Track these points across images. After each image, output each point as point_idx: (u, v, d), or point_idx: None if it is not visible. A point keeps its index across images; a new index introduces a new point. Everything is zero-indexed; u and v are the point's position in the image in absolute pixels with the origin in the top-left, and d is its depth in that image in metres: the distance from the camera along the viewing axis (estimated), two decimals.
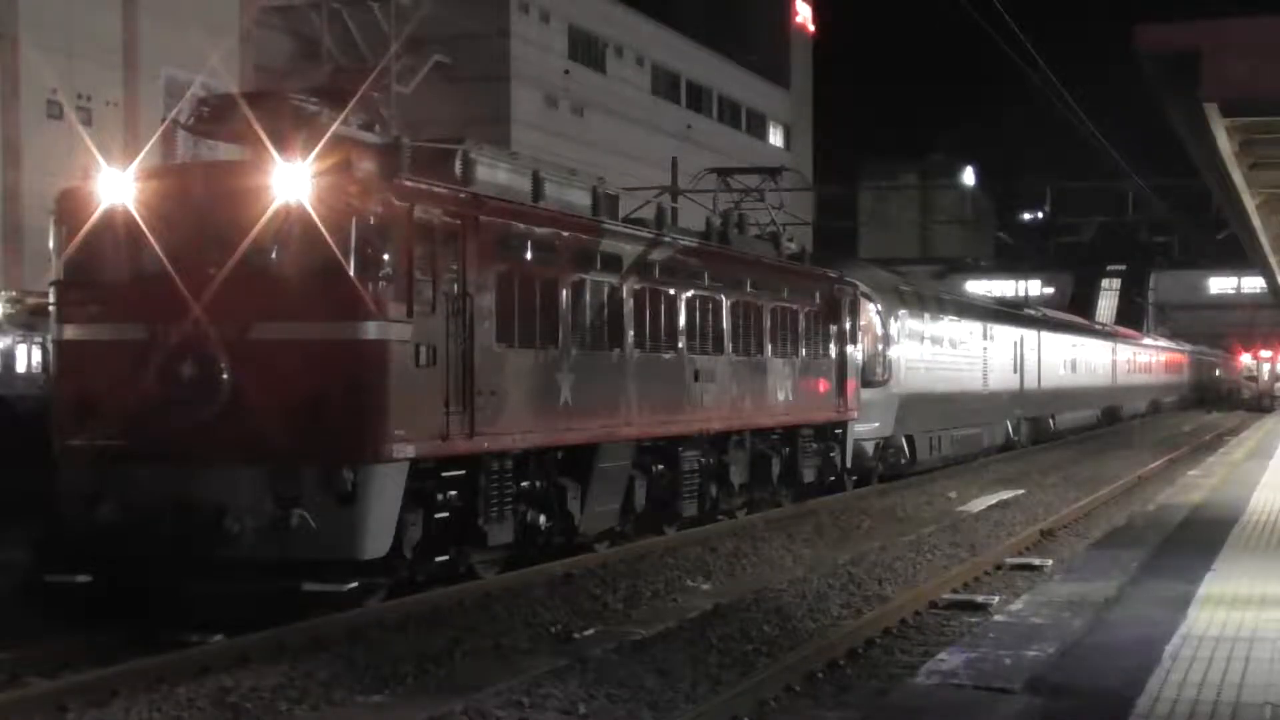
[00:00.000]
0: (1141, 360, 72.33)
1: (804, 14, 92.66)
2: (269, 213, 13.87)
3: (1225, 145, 20.46)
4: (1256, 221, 29.80)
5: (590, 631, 14.13)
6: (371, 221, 13.97)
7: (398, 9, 52.68)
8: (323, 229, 13.74)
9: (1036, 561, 19.30)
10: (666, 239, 20.42)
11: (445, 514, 15.14)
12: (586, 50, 67.58)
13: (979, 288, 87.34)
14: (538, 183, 17.48)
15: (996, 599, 16.13)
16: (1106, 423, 59.50)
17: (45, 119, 36.78)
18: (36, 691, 11.34)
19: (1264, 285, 68.99)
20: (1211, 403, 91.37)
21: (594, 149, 61.45)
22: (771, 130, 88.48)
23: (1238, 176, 23.22)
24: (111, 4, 39.19)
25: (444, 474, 15.06)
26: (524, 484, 16.66)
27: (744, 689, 11.30)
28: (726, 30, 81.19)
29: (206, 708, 11.11)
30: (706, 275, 21.38)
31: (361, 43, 52.68)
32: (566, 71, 65.34)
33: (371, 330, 13.88)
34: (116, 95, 38.75)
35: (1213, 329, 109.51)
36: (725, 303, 21.95)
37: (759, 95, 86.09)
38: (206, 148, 16.17)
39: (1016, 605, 15.17)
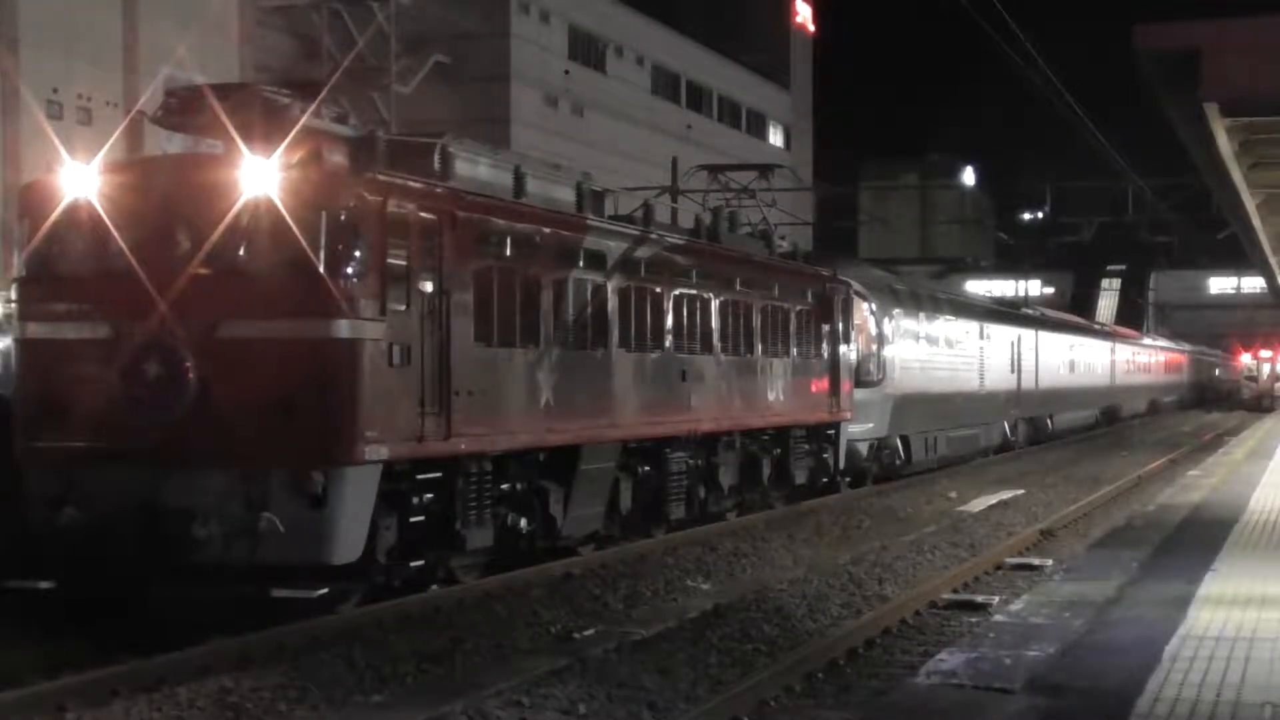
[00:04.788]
0: (1140, 360, 72.34)
1: (804, 14, 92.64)
2: (236, 207, 13.50)
3: (1225, 145, 20.48)
4: (1256, 221, 29.84)
5: (590, 631, 14.11)
6: (342, 217, 13.57)
7: (398, 9, 52.69)
8: (292, 224, 13.35)
9: (1036, 561, 19.29)
10: (653, 236, 20.03)
11: (421, 517, 14.74)
12: (586, 50, 67.56)
13: (979, 288, 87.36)
14: (519, 178, 17.06)
15: (996, 599, 16.12)
16: (1105, 423, 59.49)
17: (45, 119, 36.74)
18: (36, 691, 11.32)
19: (1264, 285, 69.04)
20: (1211, 403, 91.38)
21: (594, 149, 61.44)
22: (771, 130, 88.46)
23: (1238, 176, 23.23)
24: (111, 4, 39.15)
25: (420, 476, 14.66)
26: (504, 486, 16.25)
27: (744, 689, 11.30)
28: (726, 30, 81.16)
29: (207, 708, 11.10)
30: (695, 273, 21.05)
31: (361, 43, 52.65)
32: (566, 71, 65.32)
33: (342, 329, 13.50)
34: (116, 95, 38.73)
35: (1213, 329, 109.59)
36: (714, 301, 21.61)
37: (759, 95, 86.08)
38: (206, 145, 15.87)
39: (1016, 605, 15.18)
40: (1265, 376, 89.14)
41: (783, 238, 27.39)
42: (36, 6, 36.98)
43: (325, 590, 13.35)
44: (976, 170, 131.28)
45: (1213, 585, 14.71)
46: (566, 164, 21.36)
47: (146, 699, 11.22)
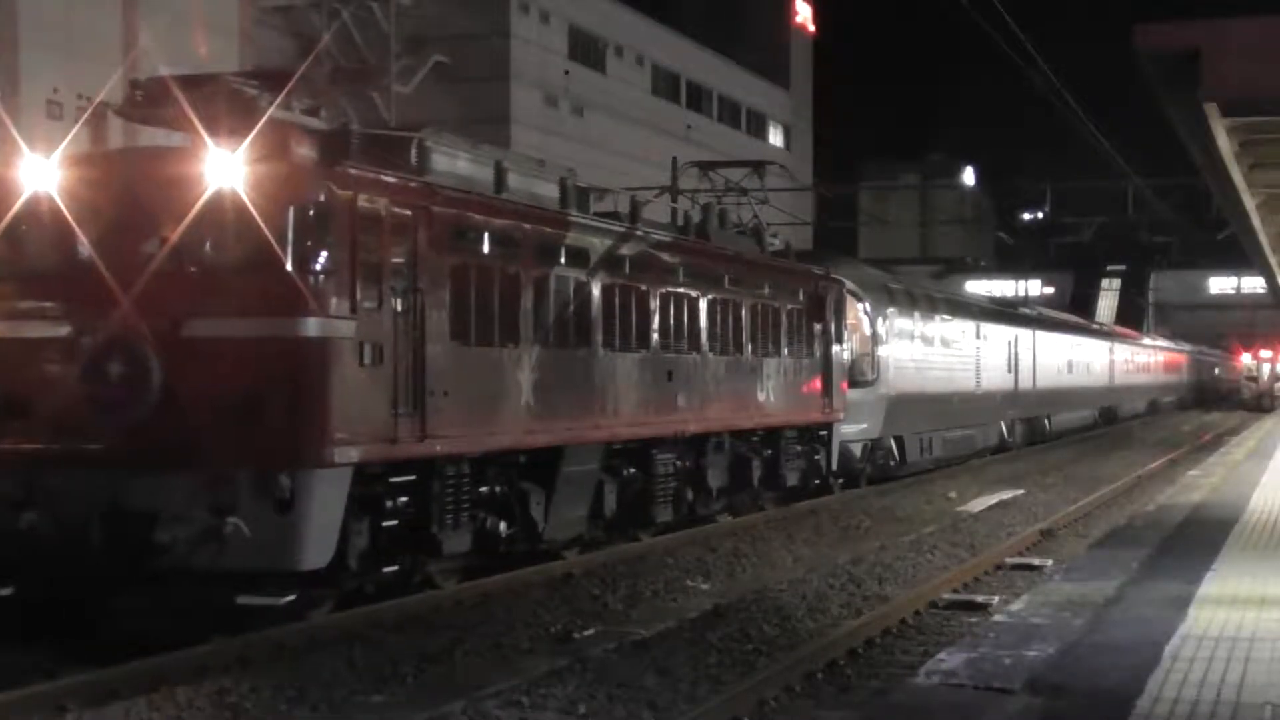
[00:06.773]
0: (1140, 360, 72.29)
1: (804, 14, 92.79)
2: (201, 202, 13.05)
3: (1225, 145, 20.48)
4: (1256, 221, 29.85)
5: (590, 631, 14.10)
6: (311, 211, 13.14)
7: (398, 9, 52.77)
8: (258, 219, 12.91)
9: (1036, 561, 19.29)
10: (639, 233, 19.59)
11: (395, 522, 14.35)
12: (586, 50, 67.63)
13: (979, 288, 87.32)
14: (500, 173, 16.65)
15: (996, 599, 16.12)
16: (1104, 423, 59.44)
17: (45, 119, 36.75)
18: (36, 691, 11.32)
19: (1264, 285, 69.04)
20: (1211, 403, 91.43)
21: (594, 149, 61.51)
22: (771, 130, 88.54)
23: (1238, 176, 23.24)
24: (111, 4, 39.17)
25: (393, 479, 14.27)
26: (482, 489, 15.81)
27: (744, 689, 11.30)
28: (726, 30, 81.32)
29: (206, 708, 11.10)
30: (683, 271, 20.62)
31: (361, 43, 52.74)
32: (566, 71, 65.40)
33: (311, 327, 13.09)
34: (116, 96, 38.74)
35: (1213, 329, 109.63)
36: (703, 300, 21.20)
37: (759, 95, 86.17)
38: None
39: (1016, 605, 15.15)
40: (1265, 376, 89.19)
41: (774, 235, 27.08)
42: (36, 6, 36.98)
43: (292, 597, 13.04)
44: (976, 170, 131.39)
45: (1212, 585, 14.70)
46: (562, 163, 21.04)
47: (146, 699, 11.21)
